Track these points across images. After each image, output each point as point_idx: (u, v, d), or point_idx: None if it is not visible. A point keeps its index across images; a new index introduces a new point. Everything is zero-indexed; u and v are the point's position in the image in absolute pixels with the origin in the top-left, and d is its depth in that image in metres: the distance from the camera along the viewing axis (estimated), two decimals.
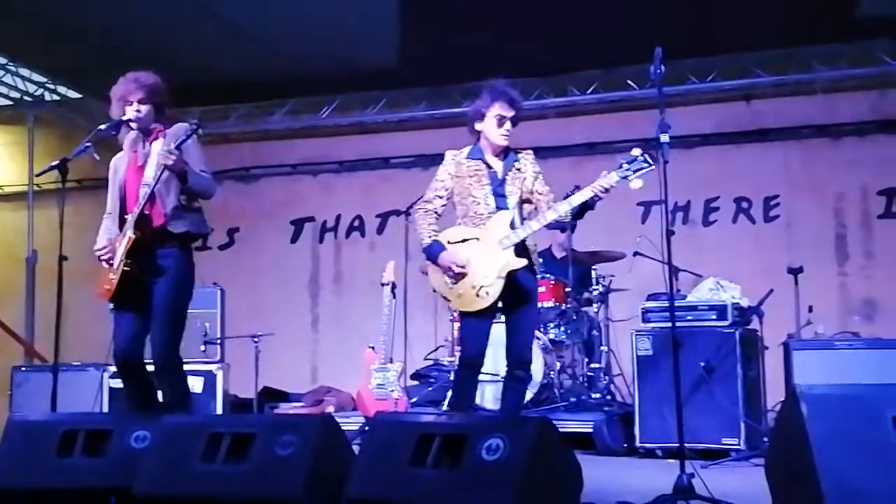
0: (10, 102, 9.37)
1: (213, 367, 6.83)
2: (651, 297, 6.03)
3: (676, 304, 5.39)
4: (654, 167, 4.27)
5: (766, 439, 5.37)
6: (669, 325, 4.47)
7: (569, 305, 6.68)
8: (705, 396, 5.41)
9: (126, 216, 4.45)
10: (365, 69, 8.40)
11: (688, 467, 3.76)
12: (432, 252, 4.54)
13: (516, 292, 4.50)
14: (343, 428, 3.63)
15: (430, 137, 9.28)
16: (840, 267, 8.17)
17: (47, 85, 9.19)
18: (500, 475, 3.00)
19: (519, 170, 4.63)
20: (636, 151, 4.35)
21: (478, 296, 4.46)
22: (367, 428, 5.87)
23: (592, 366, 6.70)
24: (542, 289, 6.74)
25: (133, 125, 4.50)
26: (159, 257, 4.41)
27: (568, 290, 6.68)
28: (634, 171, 4.33)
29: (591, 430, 5.77)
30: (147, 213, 4.37)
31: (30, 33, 7.80)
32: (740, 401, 5.46)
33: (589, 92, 8.56)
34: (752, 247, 8.28)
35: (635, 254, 6.66)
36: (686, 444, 3.88)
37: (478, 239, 4.52)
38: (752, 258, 8.00)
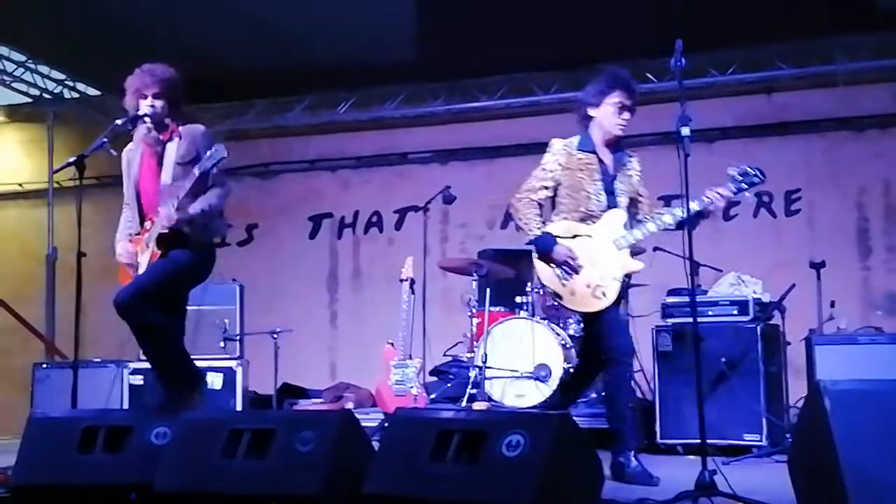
0: (30, 100, 9.39)
1: (232, 364, 6.85)
2: (671, 293, 5.99)
3: (697, 300, 5.36)
4: (765, 181, 4.31)
5: (788, 435, 5.33)
6: (690, 320, 4.45)
7: None
8: (726, 392, 5.38)
9: (146, 215, 4.51)
10: (383, 64, 8.39)
11: (710, 463, 3.74)
12: (544, 244, 4.38)
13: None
14: (362, 424, 3.62)
15: (448, 133, 9.30)
16: (863, 261, 8.10)
17: (66, 82, 9.22)
18: (521, 471, 2.99)
19: (627, 168, 4.53)
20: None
21: (594, 296, 4.33)
22: (386, 424, 5.85)
23: None
24: None
25: (147, 119, 4.50)
26: (174, 252, 4.46)
27: None
28: (749, 185, 4.31)
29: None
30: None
31: (49, 30, 7.83)
32: (762, 396, 5.42)
33: None
34: (773, 241, 8.22)
35: (655, 249, 6.61)
36: (707, 441, 3.84)
37: (590, 236, 4.40)
38: (773, 253, 7.94)
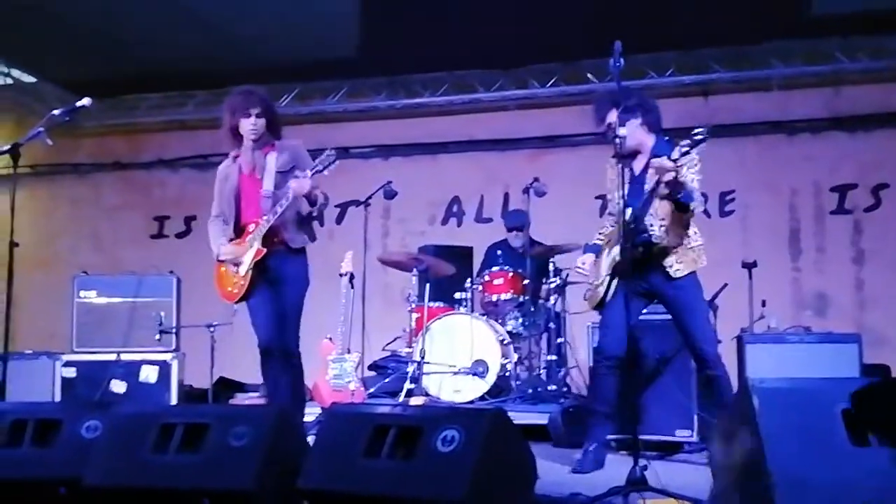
0: None
1: (167, 357, 6.77)
2: None
3: None
4: (705, 139, 4.13)
5: None
6: None
7: (527, 297, 6.71)
8: (659, 389, 5.45)
9: (243, 224, 4.88)
10: (325, 58, 8.36)
11: (641, 459, 3.80)
12: (583, 253, 4.86)
13: (660, 297, 4.69)
14: None
15: (389, 128, 9.29)
16: (793, 262, 8.28)
17: (1, 69, 9.01)
18: (455, 466, 3.01)
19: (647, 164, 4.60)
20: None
21: (594, 293, 4.76)
22: (321, 419, 5.84)
23: (549, 358, 6.73)
24: (499, 281, 6.79)
25: (252, 137, 4.84)
26: (284, 264, 4.85)
27: (526, 282, 6.71)
28: (692, 145, 4.17)
29: (546, 422, 5.80)
30: (274, 227, 4.76)
31: None
32: (694, 393, 5.50)
33: (549, 85, 8.59)
34: (707, 241, 8.27)
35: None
36: (640, 436, 3.91)
37: (609, 241, 4.74)
38: (707, 252, 8.02)
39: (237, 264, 4.86)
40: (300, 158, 4.91)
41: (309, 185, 4.66)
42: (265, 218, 4.75)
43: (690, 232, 4.60)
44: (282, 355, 4.87)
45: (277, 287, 4.84)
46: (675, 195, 4.34)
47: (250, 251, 4.79)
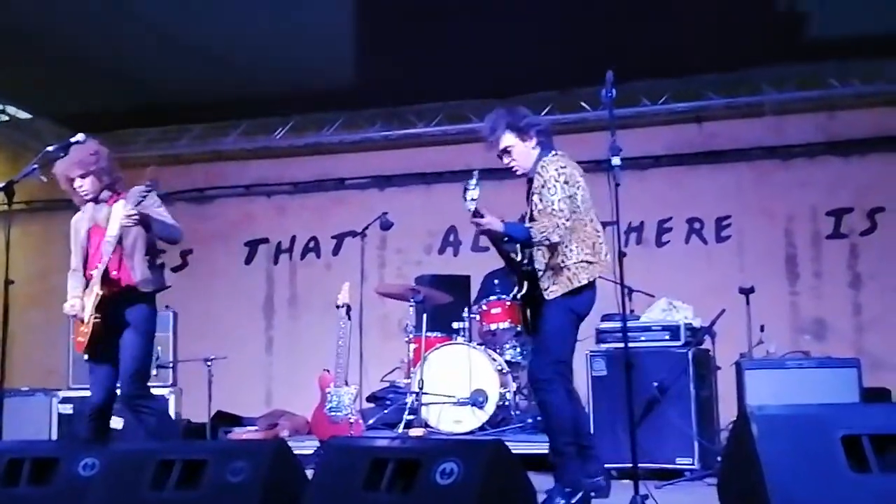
0: None
1: (165, 392, 6.74)
2: (605, 318, 6.04)
3: (630, 325, 5.42)
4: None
5: (719, 459, 5.40)
6: (623, 345, 4.49)
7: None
8: (659, 416, 5.43)
9: (88, 274, 4.59)
10: (320, 90, 8.39)
11: (642, 488, 3.78)
12: None
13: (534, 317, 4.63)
14: (298, 452, 3.60)
15: (385, 158, 9.31)
16: (791, 287, 8.27)
17: None
18: (455, 499, 2.99)
19: (530, 190, 4.68)
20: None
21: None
22: (320, 452, 5.81)
23: None
24: (497, 310, 6.78)
25: (85, 198, 4.63)
26: (129, 311, 4.58)
27: None
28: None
29: (546, 451, 5.76)
30: (115, 273, 4.53)
31: None
32: (694, 420, 5.48)
33: (543, 113, 8.59)
34: (704, 267, 8.36)
35: None
36: (640, 465, 3.89)
37: None
38: (704, 278, 8.06)
39: (80, 316, 4.63)
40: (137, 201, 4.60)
41: (130, 216, 4.43)
42: (102, 261, 4.54)
43: (567, 250, 4.49)
44: (129, 408, 4.65)
45: (121, 334, 4.59)
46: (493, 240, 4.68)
47: (90, 297, 4.56)
